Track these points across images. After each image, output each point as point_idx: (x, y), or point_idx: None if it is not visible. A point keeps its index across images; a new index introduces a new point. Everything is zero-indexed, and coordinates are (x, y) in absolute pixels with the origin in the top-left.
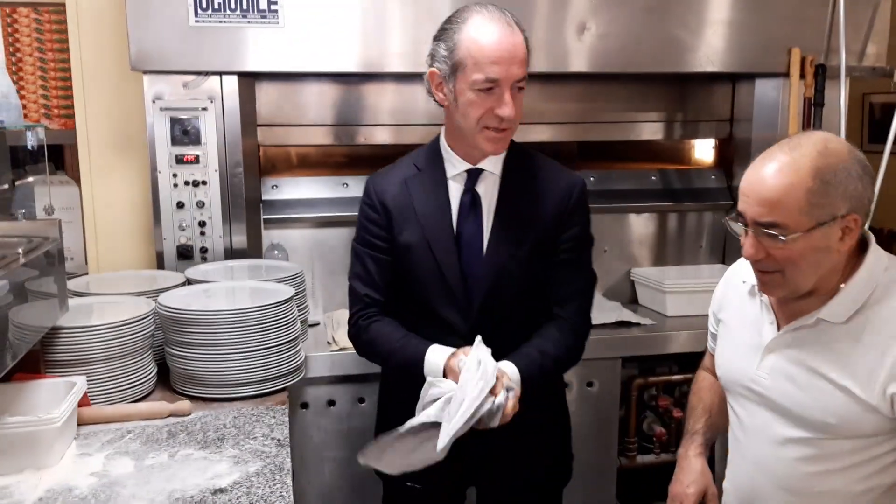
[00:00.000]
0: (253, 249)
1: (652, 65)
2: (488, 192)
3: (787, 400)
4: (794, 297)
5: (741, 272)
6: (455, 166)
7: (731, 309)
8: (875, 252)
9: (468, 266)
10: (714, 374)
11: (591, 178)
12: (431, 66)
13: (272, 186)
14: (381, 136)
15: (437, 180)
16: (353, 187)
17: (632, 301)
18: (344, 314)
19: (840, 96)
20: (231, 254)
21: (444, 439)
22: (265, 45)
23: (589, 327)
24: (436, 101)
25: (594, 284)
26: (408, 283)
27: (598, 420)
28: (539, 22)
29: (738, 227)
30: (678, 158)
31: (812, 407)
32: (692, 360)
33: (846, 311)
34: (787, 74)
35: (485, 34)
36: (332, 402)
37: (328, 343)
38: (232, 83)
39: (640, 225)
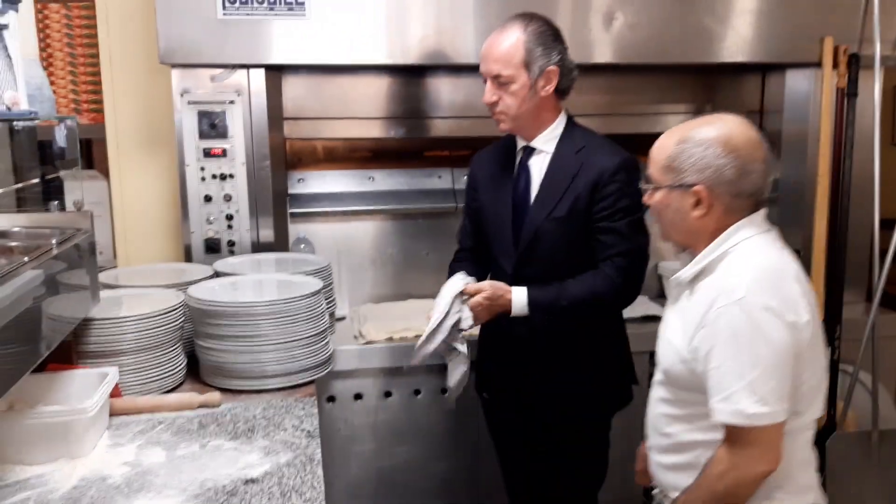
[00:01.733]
0: (279, 243)
1: (680, 55)
2: (539, 166)
3: (656, 348)
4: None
5: None
6: (519, 143)
7: None
8: (740, 227)
9: (517, 224)
10: None
11: None
12: None
13: (298, 180)
14: (409, 130)
15: (509, 153)
16: (380, 181)
17: (659, 295)
18: (371, 308)
19: (875, 87)
20: (258, 247)
21: (418, 349)
22: (291, 37)
23: (629, 284)
24: None
25: (638, 248)
26: (480, 235)
27: (625, 414)
28: (564, 13)
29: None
30: None
31: (660, 354)
32: None
33: (689, 273)
34: (819, 64)
35: None
36: (359, 396)
37: (355, 337)
38: (259, 76)
39: None
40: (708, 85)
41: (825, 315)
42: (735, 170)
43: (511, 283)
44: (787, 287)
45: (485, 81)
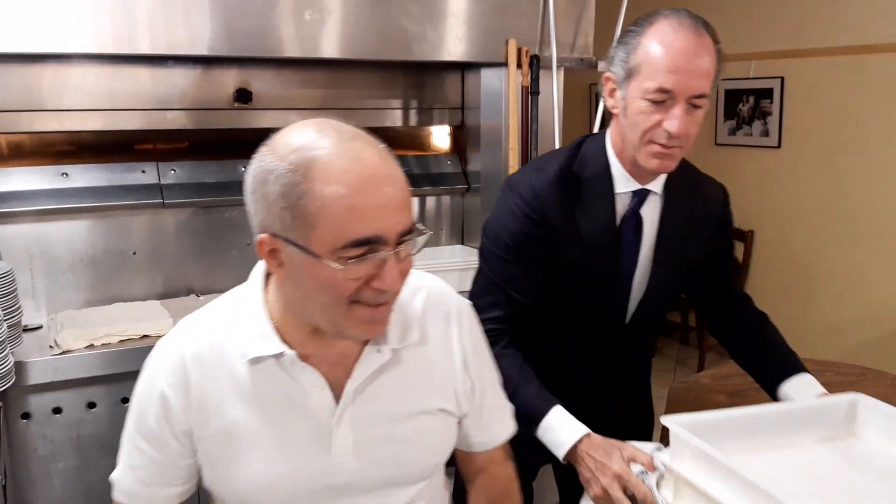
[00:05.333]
0: None
1: (380, 53)
2: (650, 214)
3: (386, 466)
4: (333, 349)
5: (225, 356)
6: (623, 184)
7: (228, 406)
8: None
9: (620, 288)
10: None
11: None
12: (609, 69)
13: None
14: (93, 123)
15: (604, 194)
16: (75, 177)
17: None
18: (69, 315)
19: (553, 85)
20: None
21: None
22: None
23: None
24: (607, 107)
25: None
26: (551, 298)
27: None
28: (272, 5)
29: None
30: (419, 145)
31: (420, 454)
32: None
33: (414, 330)
34: (506, 64)
35: (666, 40)
36: (58, 410)
37: (51, 347)
38: None
39: None
40: (416, 82)
41: None
42: None
43: (606, 360)
44: None
45: (658, 102)
